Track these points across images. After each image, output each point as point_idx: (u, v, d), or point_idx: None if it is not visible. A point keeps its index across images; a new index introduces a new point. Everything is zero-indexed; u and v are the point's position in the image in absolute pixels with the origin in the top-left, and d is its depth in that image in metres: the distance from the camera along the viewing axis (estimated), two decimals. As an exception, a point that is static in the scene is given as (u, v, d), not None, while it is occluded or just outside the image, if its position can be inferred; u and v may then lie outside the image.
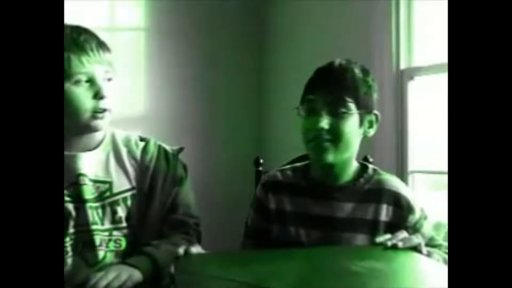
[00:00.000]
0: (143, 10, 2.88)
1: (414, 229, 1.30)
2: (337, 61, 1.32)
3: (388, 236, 1.16)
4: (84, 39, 1.30)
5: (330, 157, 1.28)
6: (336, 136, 1.27)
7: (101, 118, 1.32)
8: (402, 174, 2.27)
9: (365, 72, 1.33)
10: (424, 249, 1.14)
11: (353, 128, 1.28)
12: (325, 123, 1.26)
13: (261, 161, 1.75)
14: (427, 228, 1.33)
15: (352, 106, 1.27)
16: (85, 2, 2.50)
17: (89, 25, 1.37)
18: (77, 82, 1.28)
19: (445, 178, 2.21)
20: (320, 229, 1.31)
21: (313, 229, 1.31)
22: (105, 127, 1.36)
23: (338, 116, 1.27)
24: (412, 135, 2.30)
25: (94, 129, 1.34)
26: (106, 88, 1.31)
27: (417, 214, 1.32)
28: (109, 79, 1.33)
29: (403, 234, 1.17)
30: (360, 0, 2.49)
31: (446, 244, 1.32)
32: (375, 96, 1.34)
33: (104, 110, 1.31)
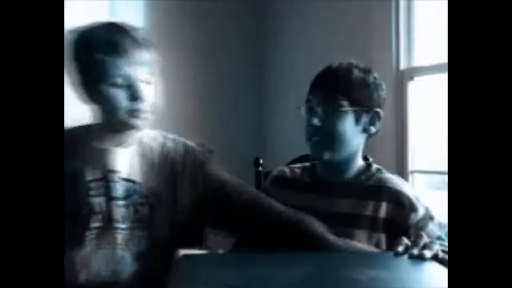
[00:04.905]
0: (143, 10, 2.87)
1: (417, 228, 1.27)
2: (337, 63, 1.34)
3: (406, 241, 1.09)
4: (119, 39, 1.24)
5: (326, 155, 1.30)
6: (329, 133, 1.29)
7: (139, 117, 1.28)
8: (402, 174, 2.27)
9: (365, 71, 1.34)
10: (441, 253, 1.08)
11: (347, 125, 1.29)
12: (316, 120, 1.29)
13: (261, 161, 1.75)
14: (431, 228, 1.29)
15: (344, 103, 1.28)
16: (85, 2, 2.49)
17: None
18: (113, 85, 1.24)
19: (445, 178, 2.21)
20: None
21: None
22: (144, 126, 1.32)
23: (330, 113, 1.29)
24: (412, 135, 2.30)
25: (131, 127, 1.30)
26: (144, 89, 1.27)
27: (420, 213, 1.30)
28: (149, 82, 1.29)
29: (423, 240, 1.08)
30: (360, 0, 2.48)
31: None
32: (377, 94, 1.34)
33: (141, 111, 1.28)
